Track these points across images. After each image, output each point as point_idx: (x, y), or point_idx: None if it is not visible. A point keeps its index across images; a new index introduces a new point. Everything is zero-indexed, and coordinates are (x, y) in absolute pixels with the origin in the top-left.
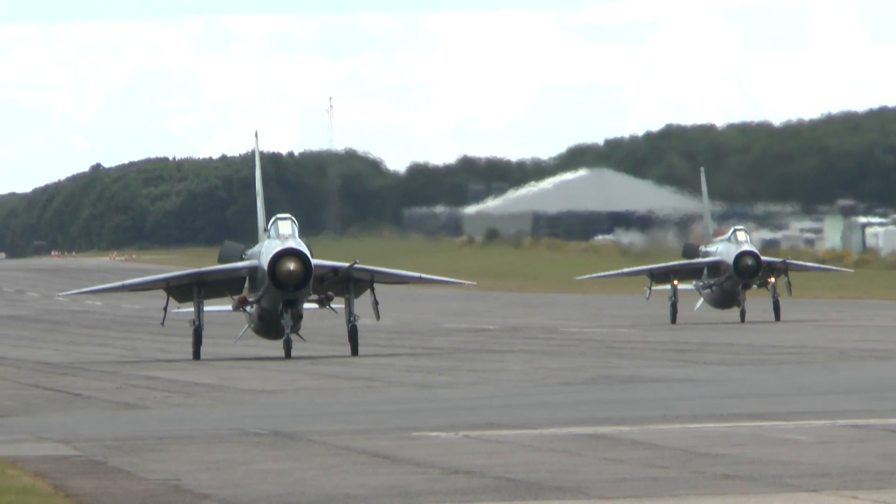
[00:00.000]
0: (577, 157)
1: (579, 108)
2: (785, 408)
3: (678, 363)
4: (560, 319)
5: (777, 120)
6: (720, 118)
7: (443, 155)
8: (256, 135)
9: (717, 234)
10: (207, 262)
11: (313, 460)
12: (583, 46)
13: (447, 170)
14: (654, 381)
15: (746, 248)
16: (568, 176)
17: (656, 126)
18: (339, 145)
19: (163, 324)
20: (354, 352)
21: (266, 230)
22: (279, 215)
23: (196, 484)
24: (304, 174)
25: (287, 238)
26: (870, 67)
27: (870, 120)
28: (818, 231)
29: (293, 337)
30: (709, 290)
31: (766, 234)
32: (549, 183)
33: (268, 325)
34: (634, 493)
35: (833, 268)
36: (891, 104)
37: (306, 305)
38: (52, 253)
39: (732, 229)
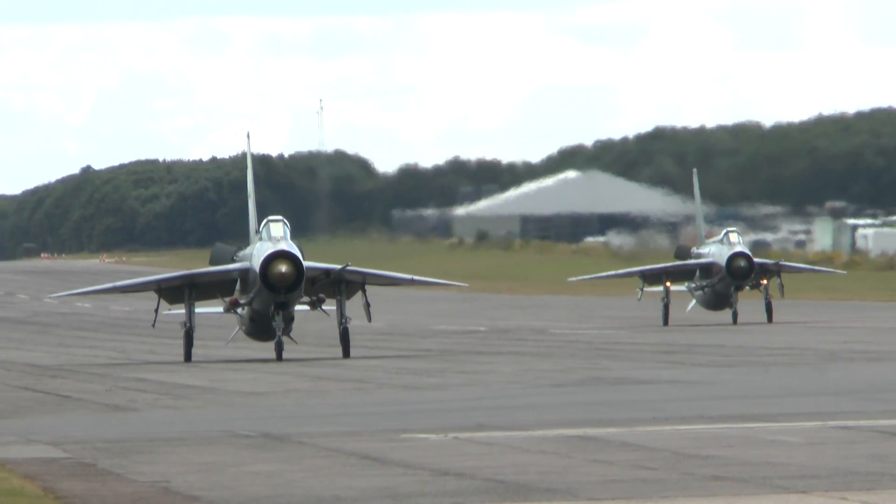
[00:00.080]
0: (567, 158)
1: (569, 109)
2: (774, 409)
3: (667, 365)
4: (550, 321)
5: (767, 121)
6: (710, 120)
7: (433, 157)
8: (248, 136)
9: (710, 235)
10: (198, 264)
11: (303, 462)
12: (573, 48)
13: (437, 171)
14: (644, 382)
15: (739, 249)
16: (558, 178)
17: (646, 127)
18: (329, 147)
19: (153, 325)
20: (346, 354)
21: (258, 232)
22: (271, 217)
23: (185, 486)
24: (294, 176)
25: (279, 240)
26: (860, 69)
27: (860, 122)
28: (808, 233)
29: (284, 339)
30: (701, 292)
31: (756, 236)
32: (539, 185)
33: (259, 327)
34: (624, 495)
35: (825, 269)
36: (881, 106)
37: (298, 307)
38: (42, 255)
39: (725, 231)
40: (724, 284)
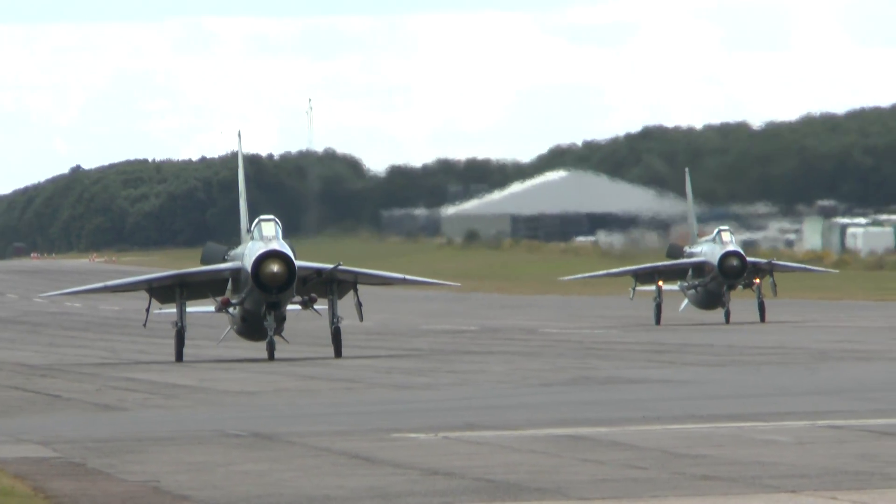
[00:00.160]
0: (556, 158)
1: (559, 109)
2: (765, 409)
3: (658, 364)
4: (540, 320)
5: (756, 121)
6: (699, 119)
7: (422, 156)
8: (240, 135)
9: (701, 235)
10: (187, 264)
11: (293, 462)
12: (562, 48)
13: (426, 171)
14: (634, 381)
15: (731, 248)
16: (547, 177)
17: (636, 127)
18: (318, 147)
19: (145, 325)
20: (338, 353)
21: (249, 231)
22: (263, 216)
23: (175, 485)
24: (283, 176)
25: (271, 240)
26: (849, 69)
27: (849, 121)
28: (797, 232)
29: (276, 339)
30: (693, 291)
31: (746, 235)
32: (528, 184)
33: (251, 327)
34: (614, 494)
35: (819, 268)
36: (870, 105)
37: (290, 307)
38: (32, 255)
39: (717, 229)
40: (717, 283)
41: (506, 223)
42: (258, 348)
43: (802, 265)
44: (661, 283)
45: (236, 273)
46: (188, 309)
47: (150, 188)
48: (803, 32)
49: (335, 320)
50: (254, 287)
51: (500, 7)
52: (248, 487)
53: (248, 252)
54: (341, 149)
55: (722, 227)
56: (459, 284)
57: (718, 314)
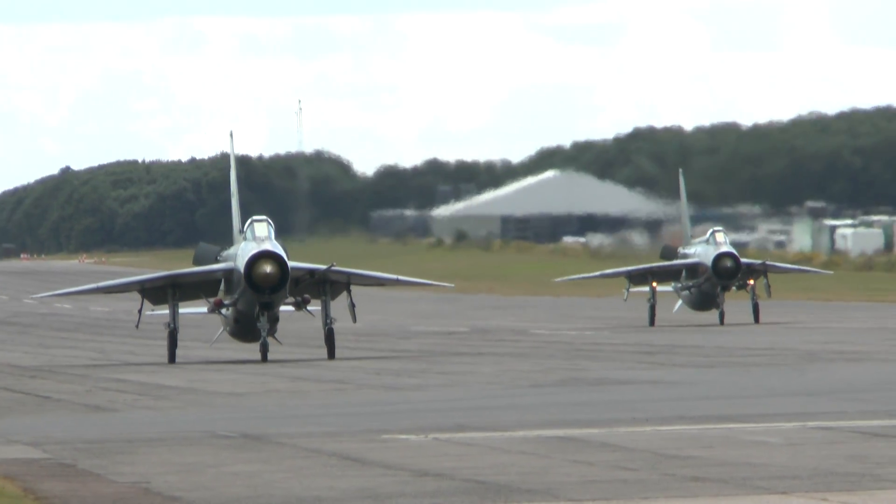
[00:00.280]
0: (545, 159)
1: (548, 110)
2: (755, 410)
3: (648, 365)
4: (530, 322)
5: (746, 122)
6: (689, 120)
7: (412, 157)
8: (231, 135)
9: (694, 235)
10: (178, 265)
11: (283, 463)
12: (552, 48)
13: (416, 172)
14: (624, 383)
15: (725, 249)
16: (537, 178)
17: (625, 128)
18: (308, 147)
19: (137, 326)
20: (331, 355)
21: (241, 232)
22: (255, 217)
23: (166, 486)
24: (273, 176)
25: (263, 240)
26: (839, 69)
27: (839, 122)
28: (787, 233)
29: (269, 340)
30: (687, 292)
31: (735, 236)
32: (518, 185)
33: (244, 328)
34: (604, 496)
35: (813, 269)
36: (860, 106)
37: (283, 308)
38: (22, 255)
39: (711, 230)
40: (711, 284)
41: (495, 224)
42: (251, 350)
43: (797, 266)
44: (654, 284)
45: (229, 274)
46: (181, 310)
47: (139, 189)
48: (793, 33)
49: (328, 321)
50: (247, 288)
51: (489, 7)
52: (238, 488)
53: (241, 253)
54: (331, 149)
55: (716, 228)
56: (452, 285)
57: (712, 315)
